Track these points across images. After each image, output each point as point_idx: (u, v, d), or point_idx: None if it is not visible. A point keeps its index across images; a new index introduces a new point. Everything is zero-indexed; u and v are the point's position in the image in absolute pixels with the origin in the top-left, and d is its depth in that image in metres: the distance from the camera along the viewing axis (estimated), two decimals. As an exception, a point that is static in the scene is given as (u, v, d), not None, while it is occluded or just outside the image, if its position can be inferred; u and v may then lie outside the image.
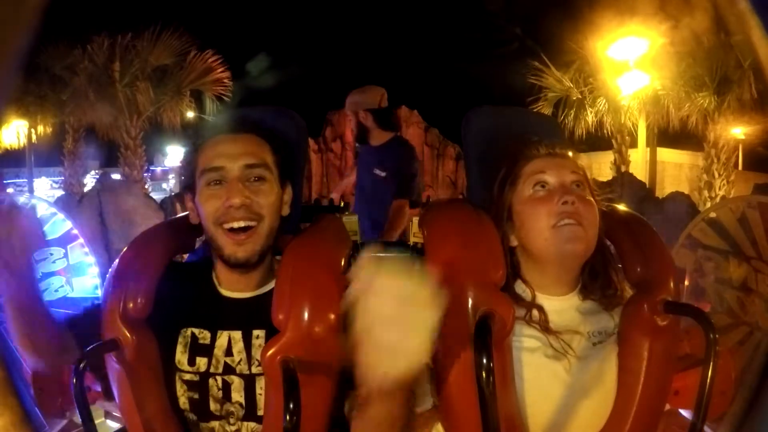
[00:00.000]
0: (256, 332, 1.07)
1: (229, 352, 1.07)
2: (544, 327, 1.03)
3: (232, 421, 1.06)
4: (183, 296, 1.12)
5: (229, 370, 1.07)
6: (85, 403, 0.94)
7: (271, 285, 1.09)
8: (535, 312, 1.04)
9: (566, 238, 1.00)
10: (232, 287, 1.11)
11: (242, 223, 1.04)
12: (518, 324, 1.00)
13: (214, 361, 1.07)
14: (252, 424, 1.05)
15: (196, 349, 1.08)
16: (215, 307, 1.10)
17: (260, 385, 1.05)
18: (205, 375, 1.07)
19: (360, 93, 3.07)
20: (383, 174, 3.00)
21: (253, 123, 1.14)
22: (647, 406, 1.00)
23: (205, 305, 1.11)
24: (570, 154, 1.11)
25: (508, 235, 1.08)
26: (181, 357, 1.08)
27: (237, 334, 1.08)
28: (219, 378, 1.07)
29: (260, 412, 1.05)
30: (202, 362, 1.07)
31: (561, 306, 1.06)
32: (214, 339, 1.08)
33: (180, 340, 1.09)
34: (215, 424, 1.06)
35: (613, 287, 1.10)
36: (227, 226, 1.04)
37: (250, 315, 1.08)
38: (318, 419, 1.00)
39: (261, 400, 1.05)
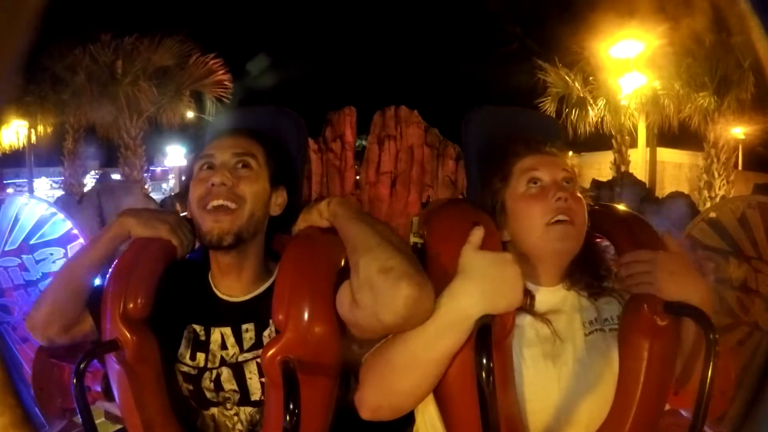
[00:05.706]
0: (245, 326, 1.12)
1: (224, 345, 1.11)
2: (530, 311, 1.04)
3: (228, 406, 1.11)
4: (182, 294, 1.16)
5: (223, 362, 1.11)
6: (85, 403, 0.94)
7: (265, 286, 1.14)
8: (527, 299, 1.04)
9: (558, 236, 1.03)
10: (226, 290, 1.15)
11: (221, 201, 1.07)
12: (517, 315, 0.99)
13: (210, 356, 1.12)
14: (249, 409, 1.11)
15: (197, 345, 1.13)
16: (209, 306, 1.14)
17: (248, 370, 1.10)
18: (203, 369, 1.11)
19: None
20: None
21: (249, 129, 1.20)
22: (647, 406, 1.00)
23: (201, 303, 1.15)
24: (557, 152, 1.12)
25: (501, 230, 1.09)
26: (183, 351, 1.13)
27: (227, 330, 1.12)
28: (214, 371, 1.11)
29: (253, 397, 1.10)
30: (201, 357, 1.12)
31: (549, 297, 1.08)
32: (208, 335, 1.12)
33: (185, 334, 1.13)
34: (214, 410, 1.12)
35: (599, 279, 1.11)
36: (209, 206, 1.07)
37: (240, 313, 1.13)
38: (318, 419, 1.00)
39: (251, 385, 1.10)
